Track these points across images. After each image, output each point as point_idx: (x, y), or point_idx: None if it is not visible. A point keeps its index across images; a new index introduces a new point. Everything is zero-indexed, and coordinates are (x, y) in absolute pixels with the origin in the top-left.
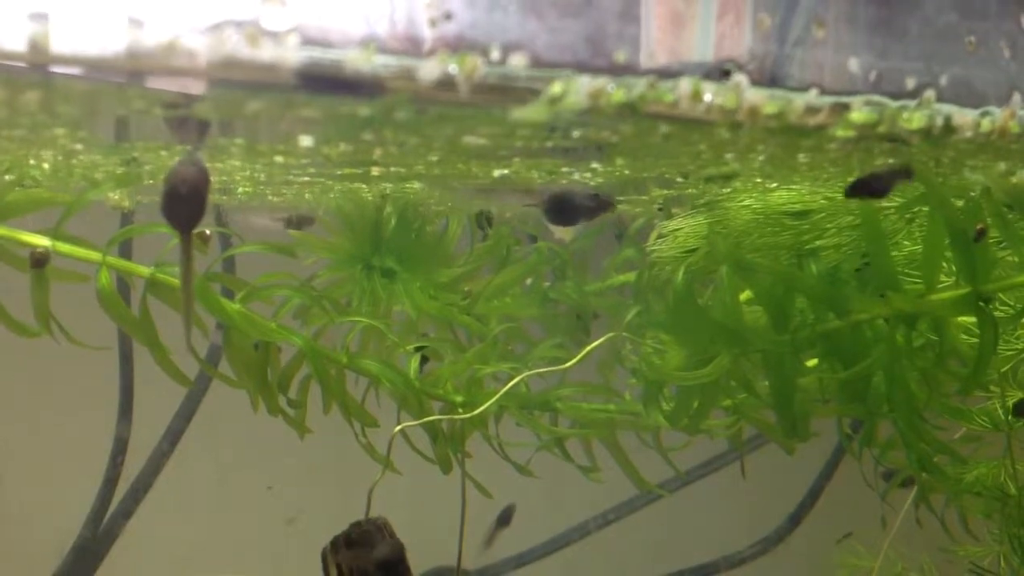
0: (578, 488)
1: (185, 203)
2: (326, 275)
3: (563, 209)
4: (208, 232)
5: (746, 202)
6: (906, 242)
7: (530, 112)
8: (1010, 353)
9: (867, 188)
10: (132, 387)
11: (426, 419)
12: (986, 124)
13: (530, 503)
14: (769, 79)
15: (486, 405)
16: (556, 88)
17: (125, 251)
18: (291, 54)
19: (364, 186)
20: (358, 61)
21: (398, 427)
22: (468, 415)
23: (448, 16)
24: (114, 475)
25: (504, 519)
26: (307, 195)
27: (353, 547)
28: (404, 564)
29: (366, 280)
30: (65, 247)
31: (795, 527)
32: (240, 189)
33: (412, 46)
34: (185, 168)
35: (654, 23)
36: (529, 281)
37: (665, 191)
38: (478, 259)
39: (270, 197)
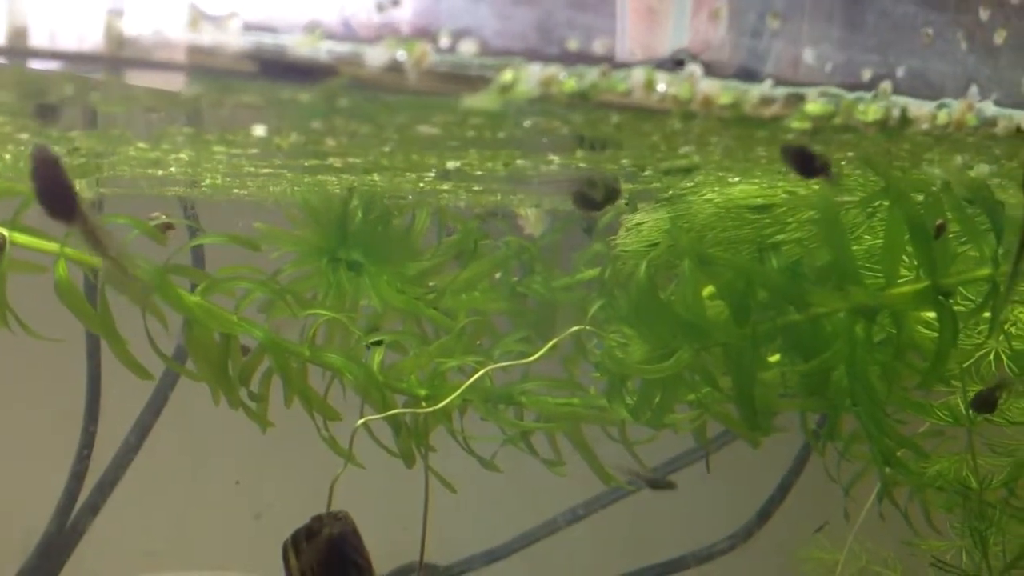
0: (548, 483)
1: (47, 192)
2: (292, 268)
3: (591, 195)
4: (166, 219)
5: (708, 196)
6: (867, 236)
7: (481, 100)
8: (970, 347)
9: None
10: (99, 380)
11: (389, 413)
12: (943, 116)
13: (498, 498)
14: (727, 69)
15: (449, 399)
16: (507, 76)
17: None
18: (234, 39)
19: (332, 178)
20: (303, 46)
21: (360, 420)
22: (431, 409)
23: (396, 1)
24: (81, 470)
25: (656, 483)
26: (272, 188)
27: (312, 540)
28: (353, 547)
29: (332, 273)
30: (23, 238)
31: (764, 522)
32: (207, 181)
33: (360, 31)
34: (37, 157)
35: (628, 16)
36: (498, 275)
37: (631, 185)
38: (445, 253)
39: (235, 191)
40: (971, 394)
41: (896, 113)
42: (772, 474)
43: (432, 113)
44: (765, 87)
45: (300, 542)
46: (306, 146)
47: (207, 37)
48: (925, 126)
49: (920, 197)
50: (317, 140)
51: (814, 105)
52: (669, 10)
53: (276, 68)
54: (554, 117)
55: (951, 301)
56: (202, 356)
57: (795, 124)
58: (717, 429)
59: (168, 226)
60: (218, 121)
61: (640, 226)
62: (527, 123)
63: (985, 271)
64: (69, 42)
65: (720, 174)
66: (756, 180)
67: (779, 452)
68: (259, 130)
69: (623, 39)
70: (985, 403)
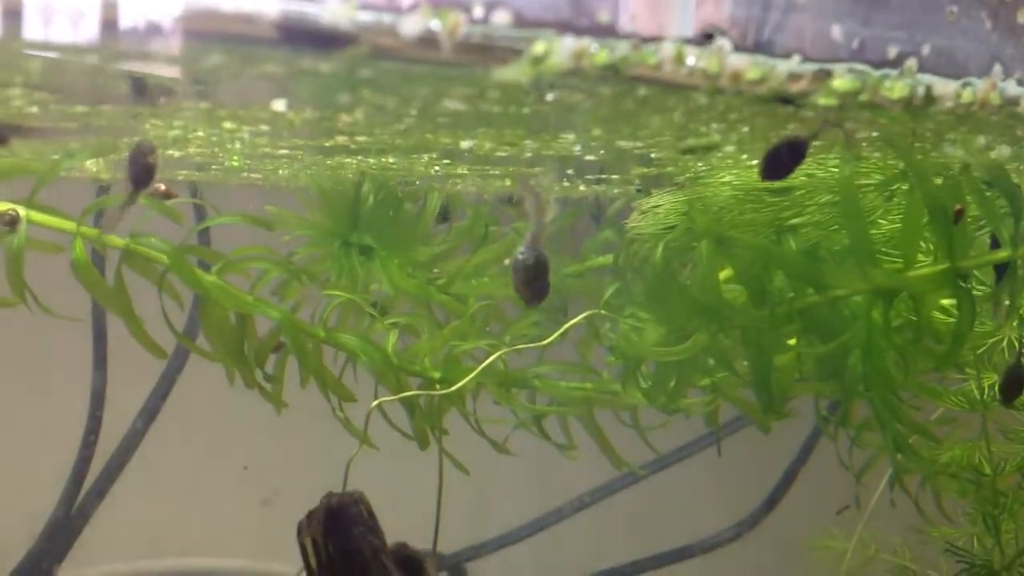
0: (557, 471)
1: None
2: (304, 252)
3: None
4: (164, 188)
5: (726, 178)
6: (883, 221)
7: (513, 72)
8: (984, 334)
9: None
10: (106, 365)
11: (403, 395)
12: (967, 95)
13: (508, 486)
14: (753, 45)
15: (463, 381)
16: (539, 48)
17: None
18: (270, 6)
19: (348, 159)
20: (339, 14)
21: (375, 402)
22: (445, 391)
23: None
24: (87, 454)
25: None
26: (281, 172)
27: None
28: (359, 519)
29: (344, 257)
30: (39, 216)
31: (771, 510)
32: (225, 163)
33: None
34: None
35: None
36: (508, 261)
37: (644, 169)
38: (456, 238)
39: (245, 174)
40: (985, 381)
41: (921, 91)
42: (778, 462)
43: (458, 86)
44: (793, 63)
45: (313, 518)
46: (320, 123)
47: (246, 4)
48: (949, 104)
49: (939, 181)
50: (331, 117)
51: (841, 81)
52: None
53: (310, 37)
54: (581, 91)
55: (968, 284)
56: (217, 336)
57: (822, 100)
58: (725, 418)
59: (168, 195)
60: (237, 95)
61: (656, 209)
62: (550, 97)
63: (1004, 254)
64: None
65: (743, 157)
66: None
67: (785, 440)
68: (279, 104)
69: (636, 10)
70: (1016, 381)
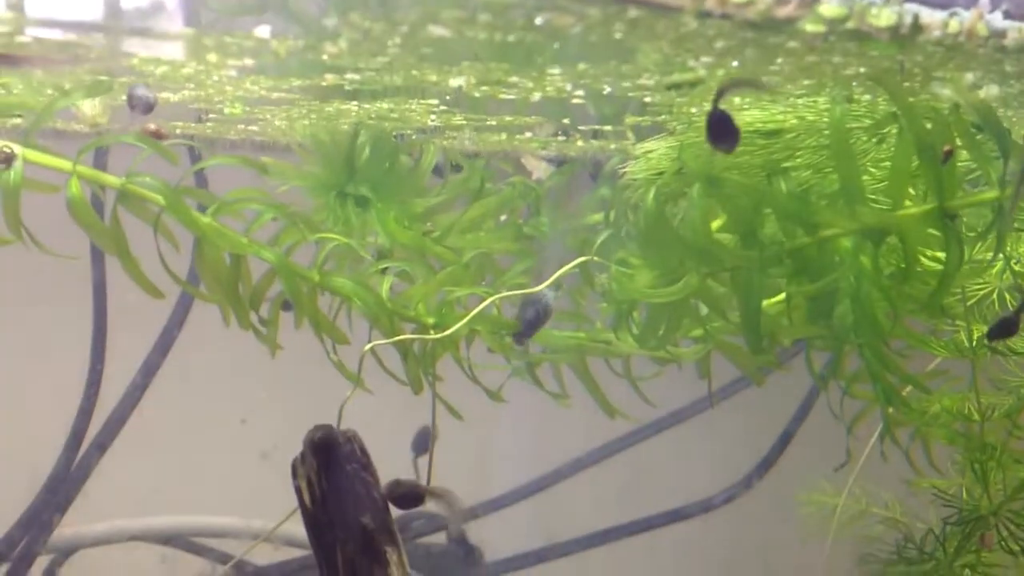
0: (556, 433)
1: None
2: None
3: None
4: (155, 127)
5: None
6: (873, 169)
7: None
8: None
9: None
10: (106, 318)
11: (397, 338)
12: (954, 25)
13: (507, 448)
14: None
15: (457, 326)
16: None
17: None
18: None
19: (343, 106)
20: None
21: (369, 344)
22: (439, 335)
23: None
24: (88, 407)
25: None
26: (278, 122)
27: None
28: (350, 456)
29: (340, 208)
30: (35, 155)
31: (766, 472)
32: (225, 109)
33: None
34: None
35: None
36: (504, 217)
37: (638, 118)
38: (451, 191)
39: (242, 126)
40: (976, 332)
41: (908, 20)
42: (774, 426)
43: (446, 8)
44: None
45: (306, 457)
46: (305, 53)
47: None
48: (937, 34)
49: (929, 126)
50: (316, 46)
51: (828, 7)
52: None
53: None
54: (570, 13)
55: (956, 224)
56: (212, 276)
57: (809, 27)
58: (722, 381)
59: (159, 134)
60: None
61: (649, 154)
62: (539, 20)
63: (991, 194)
64: None
65: (735, 100)
66: (766, 106)
67: (781, 404)
68: (263, 31)
69: None
70: (1006, 327)
